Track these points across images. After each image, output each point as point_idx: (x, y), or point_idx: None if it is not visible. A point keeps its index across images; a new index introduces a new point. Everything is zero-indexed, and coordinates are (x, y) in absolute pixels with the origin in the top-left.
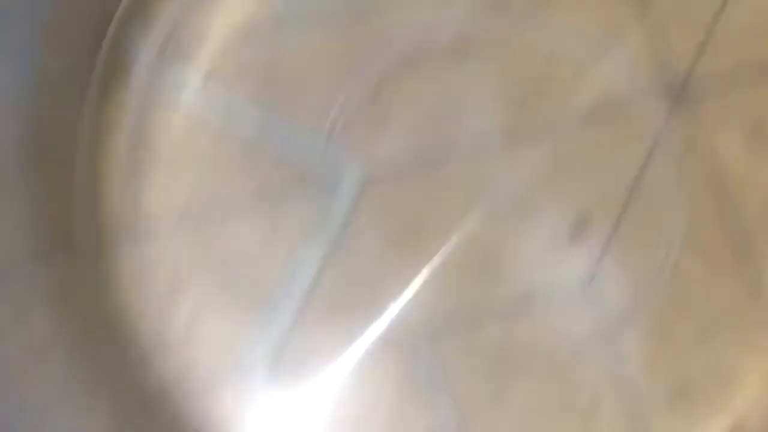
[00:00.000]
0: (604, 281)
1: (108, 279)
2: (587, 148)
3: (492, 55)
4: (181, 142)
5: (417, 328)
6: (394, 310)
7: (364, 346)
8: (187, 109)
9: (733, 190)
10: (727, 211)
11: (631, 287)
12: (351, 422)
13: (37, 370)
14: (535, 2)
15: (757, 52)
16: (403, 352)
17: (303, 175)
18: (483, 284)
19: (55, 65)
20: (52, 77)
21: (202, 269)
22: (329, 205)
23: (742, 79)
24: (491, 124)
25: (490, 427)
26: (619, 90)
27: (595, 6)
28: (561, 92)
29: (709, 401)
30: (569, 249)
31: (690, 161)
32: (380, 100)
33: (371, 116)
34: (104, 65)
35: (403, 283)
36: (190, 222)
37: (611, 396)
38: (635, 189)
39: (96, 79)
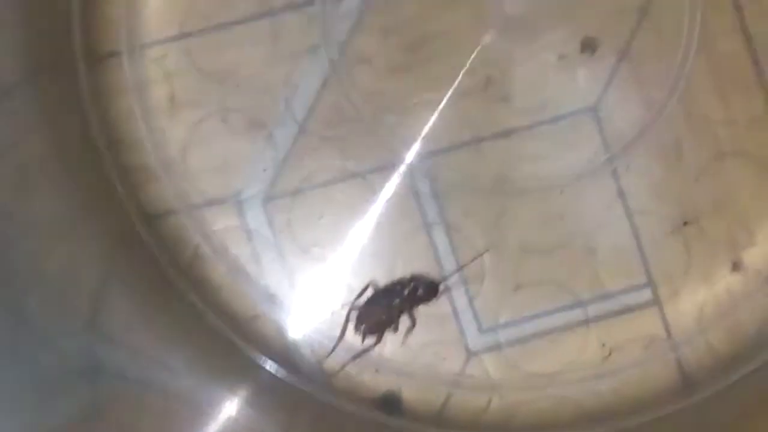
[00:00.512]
0: (613, 102)
1: (103, 95)
2: None
3: None
4: None
5: (418, 156)
6: (393, 136)
7: (360, 174)
8: None
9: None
10: (747, 21)
11: (641, 107)
12: (351, 241)
13: (32, 197)
14: None
15: None
16: (403, 179)
17: None
18: (489, 107)
19: None
20: None
21: (199, 88)
22: (331, 13)
23: None
24: None
25: (493, 255)
26: None
27: None
28: None
29: (712, 234)
30: (577, 70)
31: None
32: None
33: None
34: None
35: (406, 109)
36: (188, 39)
37: (613, 219)
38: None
39: None
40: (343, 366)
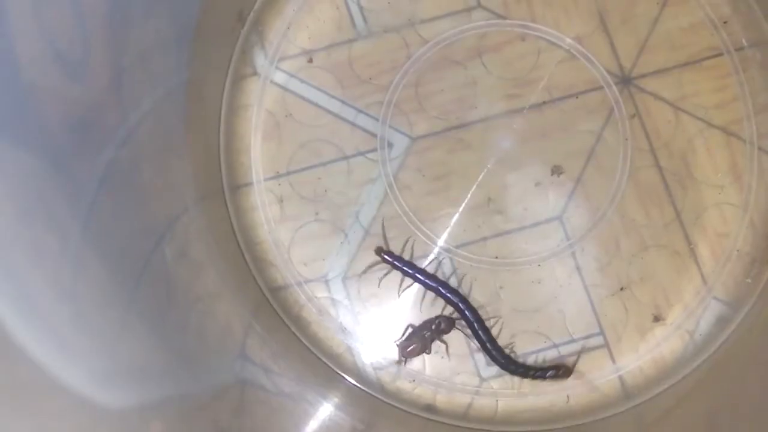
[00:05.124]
0: (572, 211)
1: (240, 212)
2: (562, 119)
3: (495, 60)
4: (288, 117)
5: (443, 248)
6: (427, 236)
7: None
8: (293, 94)
9: (664, 144)
10: (659, 159)
11: (591, 213)
12: (396, 301)
13: (202, 276)
14: (527, 18)
15: (680, 49)
16: (432, 262)
17: (369, 138)
18: (490, 216)
19: (204, 56)
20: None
21: (300, 206)
22: (386, 158)
23: (669, 68)
24: (494, 106)
25: (493, 311)
26: (585, 79)
27: (568, 24)
28: (541, 85)
29: (640, 297)
30: (548, 190)
31: (634, 125)
32: (419, 89)
33: (414, 99)
34: (235, 69)
35: (435, 218)
36: (292, 175)
37: (574, 288)
38: (595, 146)
39: (230, 74)
40: (396, 375)
